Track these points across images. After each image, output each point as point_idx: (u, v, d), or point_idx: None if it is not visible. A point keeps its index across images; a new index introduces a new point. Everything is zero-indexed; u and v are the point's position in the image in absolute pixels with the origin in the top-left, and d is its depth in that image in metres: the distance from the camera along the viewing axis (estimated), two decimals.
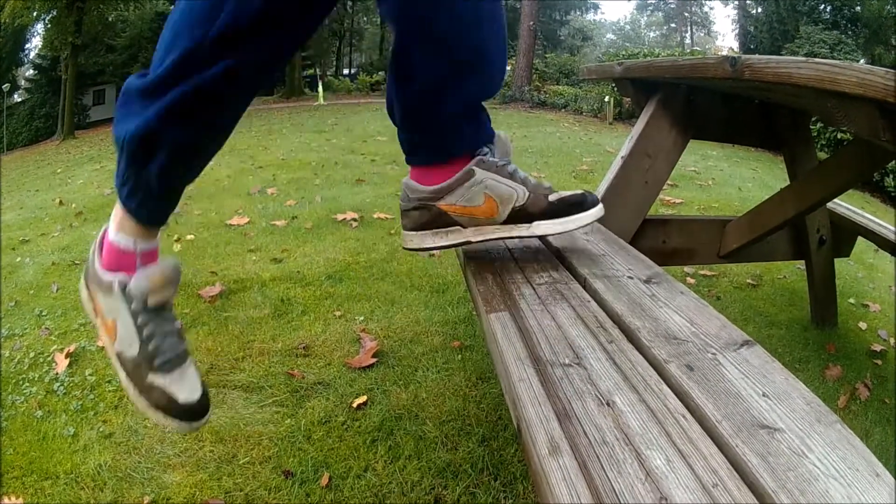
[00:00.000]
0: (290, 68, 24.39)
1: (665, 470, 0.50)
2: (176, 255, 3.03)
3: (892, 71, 0.86)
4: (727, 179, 5.99)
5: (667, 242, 1.87)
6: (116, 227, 0.88)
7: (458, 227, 0.98)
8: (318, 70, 28.87)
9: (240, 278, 2.63)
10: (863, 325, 2.60)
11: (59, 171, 9.32)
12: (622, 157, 1.70)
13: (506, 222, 0.98)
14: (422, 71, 0.88)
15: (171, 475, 1.41)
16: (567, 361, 0.67)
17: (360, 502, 1.33)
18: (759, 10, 24.67)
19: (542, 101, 15.78)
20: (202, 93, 0.79)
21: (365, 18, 31.42)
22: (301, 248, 3.09)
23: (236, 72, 0.79)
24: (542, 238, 1.16)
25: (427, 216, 0.98)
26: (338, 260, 2.85)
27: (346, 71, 32.50)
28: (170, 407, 0.85)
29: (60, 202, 5.20)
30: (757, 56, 1.15)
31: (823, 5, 20.26)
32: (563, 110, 14.79)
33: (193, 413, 0.87)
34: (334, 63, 33.21)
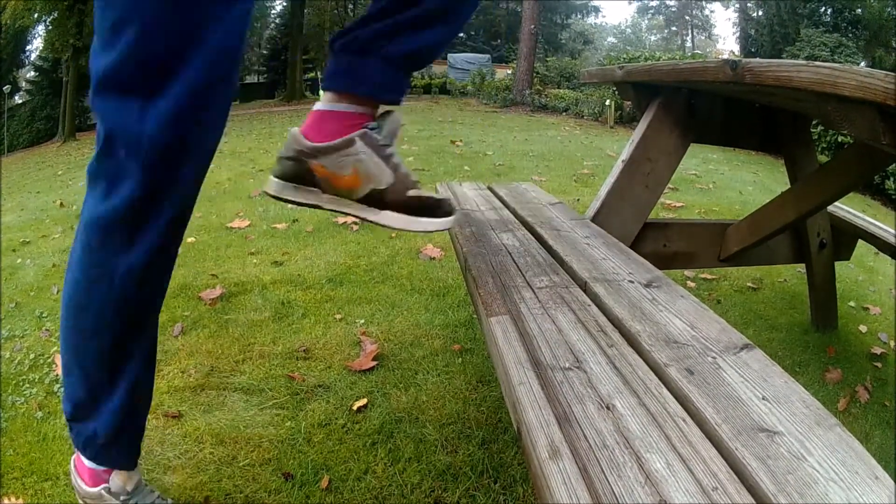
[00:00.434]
0: (291, 71, 24.43)
1: (665, 473, 0.50)
2: (176, 258, 3.03)
3: (892, 74, 0.86)
4: (728, 183, 5.99)
5: (668, 246, 1.87)
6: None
7: (318, 190, 1.00)
8: (318, 73, 28.91)
9: (240, 281, 2.63)
10: (863, 329, 2.60)
11: (59, 172, 9.33)
12: (623, 161, 1.70)
13: (360, 201, 1.00)
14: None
15: (171, 477, 1.41)
16: (567, 365, 0.68)
17: None
18: (760, 13, 24.69)
19: (543, 104, 15.80)
20: None
21: None
22: (302, 251, 3.09)
23: None
24: (542, 241, 1.16)
25: (296, 169, 0.99)
26: (338, 263, 2.85)
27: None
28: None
29: (61, 204, 5.20)
30: (757, 60, 1.15)
31: (824, 8, 20.27)
32: (564, 114, 14.80)
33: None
34: None
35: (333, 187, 0.99)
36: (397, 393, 1.74)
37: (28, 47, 26.90)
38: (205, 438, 1.54)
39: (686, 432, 0.56)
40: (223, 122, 0.92)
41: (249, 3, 0.86)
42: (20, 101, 27.51)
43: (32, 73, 27.46)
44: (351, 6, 26.80)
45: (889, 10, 18.87)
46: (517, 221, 1.46)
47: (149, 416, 1.64)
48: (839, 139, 8.68)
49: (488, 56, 27.17)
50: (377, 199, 0.99)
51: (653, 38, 45.28)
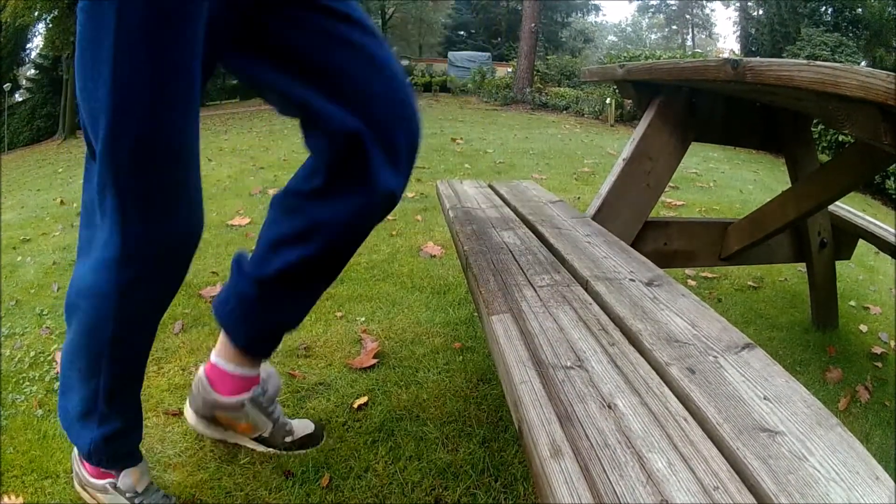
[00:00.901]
0: None
1: (666, 473, 0.50)
2: None
3: (893, 74, 0.86)
4: (728, 182, 5.99)
5: (668, 245, 1.87)
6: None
7: (222, 428, 1.37)
8: None
9: None
10: (863, 328, 2.60)
11: (60, 170, 9.32)
12: (624, 160, 1.70)
13: (255, 439, 1.40)
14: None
15: (172, 475, 1.41)
16: (569, 364, 0.68)
17: (361, 503, 1.33)
18: (761, 12, 24.66)
19: (543, 102, 15.79)
20: None
21: None
22: None
23: None
24: (543, 240, 1.16)
25: (205, 410, 1.33)
26: None
27: None
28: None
29: (61, 202, 5.20)
30: (759, 59, 1.15)
31: (824, 7, 20.25)
32: (564, 112, 14.80)
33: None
34: None
35: (233, 430, 1.36)
36: (398, 391, 1.74)
37: (28, 45, 26.91)
38: (205, 436, 1.54)
39: (687, 431, 0.56)
40: None
41: None
42: (20, 99, 27.51)
43: (33, 71, 27.45)
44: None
45: (889, 9, 18.85)
46: (518, 219, 1.46)
47: (149, 414, 1.65)
48: (840, 138, 8.68)
49: (489, 54, 27.14)
50: (264, 441, 1.41)
51: (653, 36, 45.25)
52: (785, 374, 0.65)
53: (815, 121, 2.18)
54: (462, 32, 35.31)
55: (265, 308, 1.20)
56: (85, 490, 1.18)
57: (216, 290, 2.46)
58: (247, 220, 3.67)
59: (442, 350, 1.98)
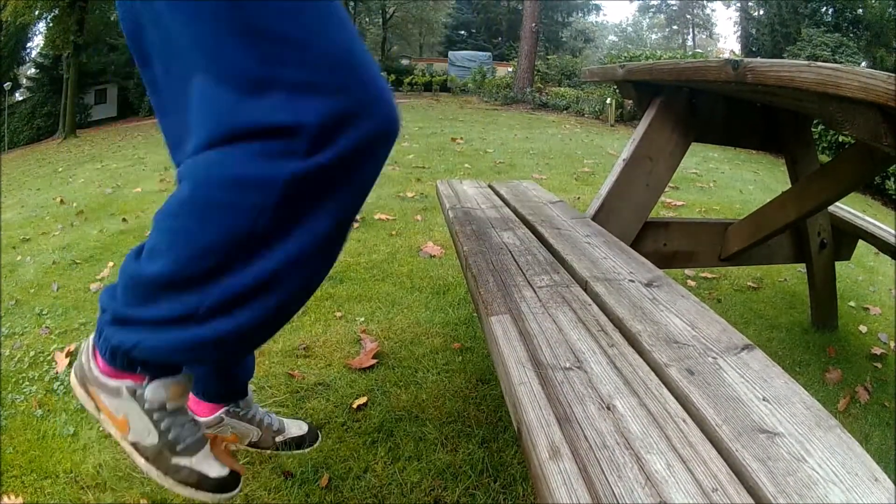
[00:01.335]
0: None
1: (665, 474, 0.50)
2: None
3: (893, 75, 0.86)
4: (728, 182, 5.99)
5: (668, 245, 1.87)
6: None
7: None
8: None
9: None
10: (863, 329, 2.60)
11: (60, 169, 9.33)
12: (624, 160, 1.70)
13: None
14: None
15: None
16: (568, 365, 0.67)
17: (360, 503, 1.33)
18: (761, 12, 24.66)
19: (543, 102, 15.79)
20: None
21: (367, 19, 31.46)
22: None
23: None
24: (543, 240, 1.16)
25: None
26: (338, 261, 2.84)
27: None
28: (201, 482, 0.93)
29: (61, 201, 5.20)
30: (759, 59, 1.15)
31: (825, 8, 20.25)
32: (564, 112, 14.79)
33: (226, 485, 0.95)
34: None
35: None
36: (397, 391, 1.74)
37: (29, 44, 26.90)
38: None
39: (686, 433, 0.56)
40: None
41: None
42: (21, 98, 27.51)
43: (33, 71, 27.44)
44: (352, 4, 26.76)
45: (890, 10, 18.85)
46: (518, 220, 1.46)
47: None
48: (840, 139, 8.67)
49: (489, 54, 27.14)
50: (256, 444, 1.39)
51: (654, 36, 45.24)
52: (784, 375, 0.65)
53: (815, 121, 2.18)
54: (462, 32, 35.31)
55: None
56: (84, 387, 0.92)
57: None
58: None
59: (441, 350, 1.98)
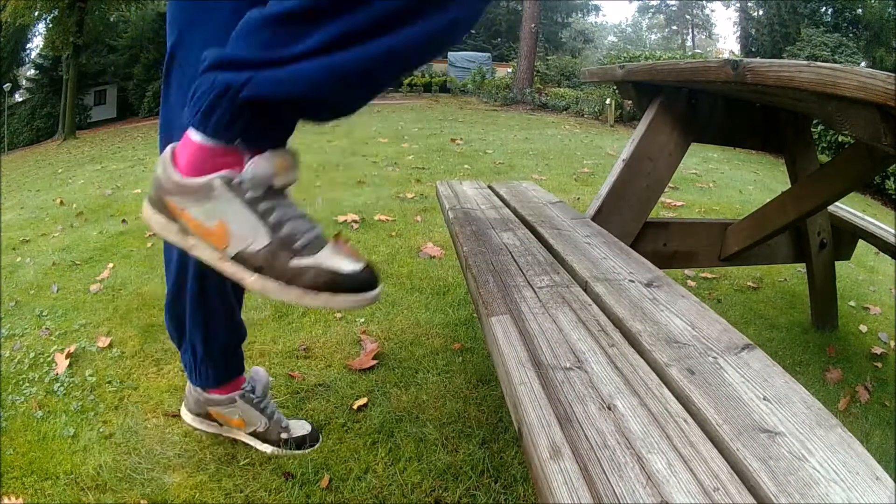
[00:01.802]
0: None
1: (666, 474, 0.50)
2: None
3: (893, 75, 0.86)
4: (728, 182, 5.99)
5: (668, 245, 1.87)
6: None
7: (216, 424, 1.38)
8: None
9: None
10: (863, 328, 2.60)
11: (60, 171, 9.32)
12: (623, 160, 1.70)
13: (250, 434, 1.39)
14: None
15: (172, 476, 1.41)
16: (568, 365, 0.67)
17: None
18: (761, 12, 24.68)
19: (543, 103, 15.80)
20: None
21: None
22: None
23: None
24: (542, 241, 1.16)
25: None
26: None
27: None
28: (336, 281, 0.77)
29: (61, 202, 5.20)
30: (759, 60, 1.15)
31: (825, 8, 20.27)
32: (564, 112, 14.80)
33: (365, 282, 0.79)
34: None
35: (227, 424, 1.11)
36: (397, 392, 1.74)
37: (28, 45, 26.95)
38: (204, 438, 1.53)
39: (687, 432, 0.56)
40: None
41: None
42: (20, 100, 27.54)
43: (33, 72, 27.47)
44: None
45: (889, 10, 18.86)
46: (518, 220, 1.46)
47: (148, 416, 1.65)
48: (839, 139, 8.68)
49: (489, 54, 27.15)
50: (259, 435, 1.41)
51: (653, 37, 45.28)
52: (785, 374, 0.65)
53: (815, 121, 2.18)
54: None
55: None
56: (162, 208, 0.83)
57: None
58: None
59: (441, 351, 1.98)
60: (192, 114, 0.75)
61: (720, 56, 16.66)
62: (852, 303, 2.89)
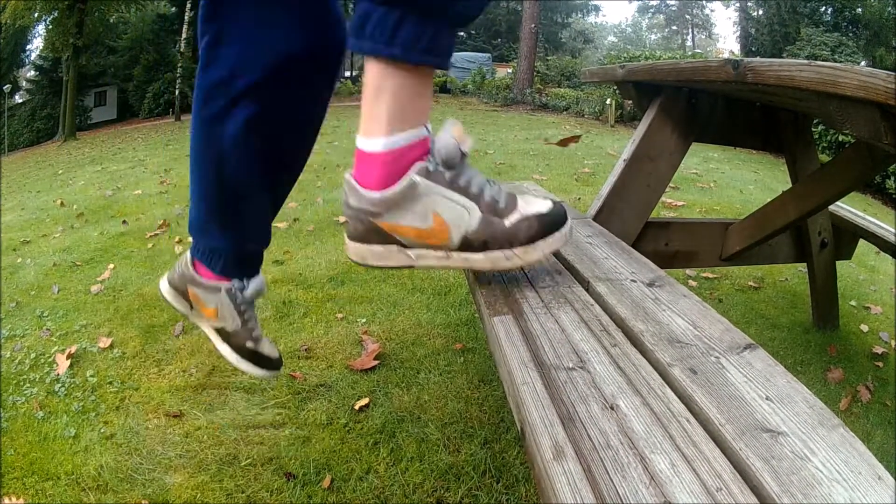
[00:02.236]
0: None
1: (669, 474, 0.50)
2: (177, 257, 3.03)
3: (892, 74, 0.86)
4: (729, 182, 5.99)
5: (669, 245, 1.87)
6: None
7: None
8: None
9: None
10: (864, 328, 2.60)
11: (60, 172, 9.33)
12: (624, 160, 1.70)
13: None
14: None
15: (173, 476, 1.41)
16: (571, 365, 0.67)
17: None
18: (761, 12, 24.68)
19: (543, 103, 15.80)
20: None
21: None
22: (303, 250, 3.09)
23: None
24: None
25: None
26: (339, 262, 2.85)
27: (346, 73, 32.57)
28: (543, 225, 0.83)
29: (62, 203, 5.20)
30: (759, 59, 1.15)
31: (824, 7, 20.28)
32: (564, 113, 14.80)
33: (563, 215, 0.86)
34: None
35: (198, 309, 1.06)
36: (399, 392, 1.74)
37: (28, 46, 26.96)
38: (206, 438, 1.54)
39: (690, 432, 0.56)
40: None
41: None
42: (20, 101, 27.55)
43: (33, 73, 27.49)
44: (351, 4, 26.75)
45: (889, 9, 18.87)
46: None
47: (149, 416, 1.65)
48: (839, 138, 8.68)
49: (489, 55, 27.16)
50: (225, 335, 1.14)
51: (653, 36, 45.29)
52: (787, 374, 0.65)
53: (815, 121, 2.18)
54: (462, 33, 35.27)
55: None
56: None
57: None
58: None
59: (443, 351, 1.98)
60: (375, 40, 0.73)
61: (720, 56, 16.66)
62: (853, 302, 2.89)
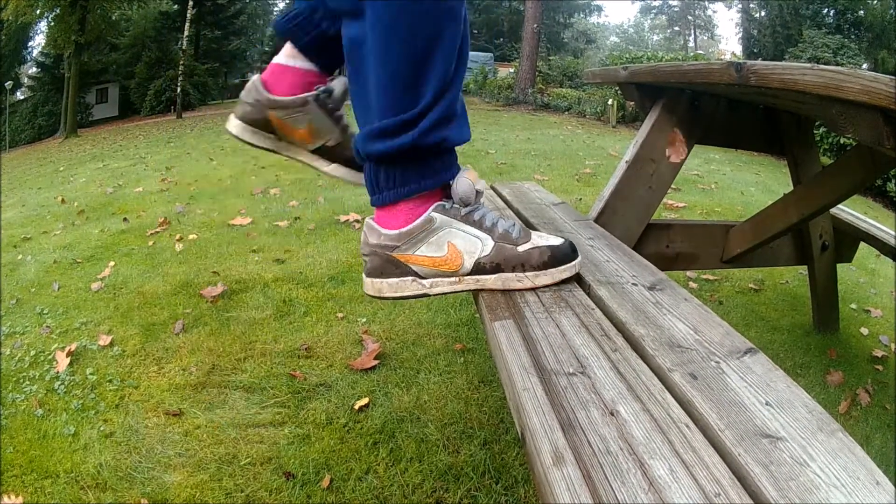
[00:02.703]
0: None
1: (668, 480, 0.50)
2: (178, 255, 3.03)
3: (895, 78, 0.86)
4: (730, 184, 5.98)
5: (670, 247, 1.87)
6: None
7: (274, 137, 1.06)
8: None
9: (242, 279, 2.63)
10: (864, 331, 2.60)
11: (61, 168, 9.33)
12: (626, 162, 1.69)
13: (313, 152, 1.07)
14: None
15: (172, 475, 1.41)
16: (571, 370, 0.67)
17: None
18: (763, 13, 24.67)
19: (545, 103, 15.79)
20: None
21: None
22: (303, 249, 3.09)
23: None
24: None
25: (255, 115, 1.03)
26: (340, 261, 2.85)
27: None
28: (555, 255, 0.92)
29: (62, 200, 5.20)
30: (762, 62, 1.15)
31: (827, 9, 20.26)
32: (566, 113, 14.79)
33: (572, 249, 0.94)
34: None
35: (288, 137, 1.06)
36: (399, 392, 1.74)
37: (30, 43, 26.98)
38: (205, 437, 1.54)
39: (689, 438, 0.56)
40: None
41: None
42: (22, 98, 27.58)
43: (34, 70, 27.51)
44: None
45: (891, 12, 18.86)
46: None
47: (149, 414, 1.65)
48: (841, 141, 8.67)
49: (491, 54, 27.12)
50: (327, 152, 1.08)
51: (655, 37, 45.23)
52: (787, 379, 0.65)
53: (817, 123, 2.18)
54: None
55: None
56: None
57: (217, 290, 2.46)
58: (248, 221, 3.67)
59: (443, 352, 1.98)
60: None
61: (722, 57, 16.65)
62: (854, 305, 2.89)
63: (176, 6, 25.04)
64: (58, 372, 1.89)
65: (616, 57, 17.67)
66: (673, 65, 1.53)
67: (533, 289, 0.91)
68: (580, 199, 4.36)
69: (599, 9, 42.36)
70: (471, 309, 2.30)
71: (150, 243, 3.30)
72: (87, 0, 19.33)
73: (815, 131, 2.16)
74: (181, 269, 2.80)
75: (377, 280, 0.93)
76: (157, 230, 3.55)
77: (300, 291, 2.48)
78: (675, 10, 42.74)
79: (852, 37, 18.64)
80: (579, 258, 0.95)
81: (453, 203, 0.90)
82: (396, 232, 0.89)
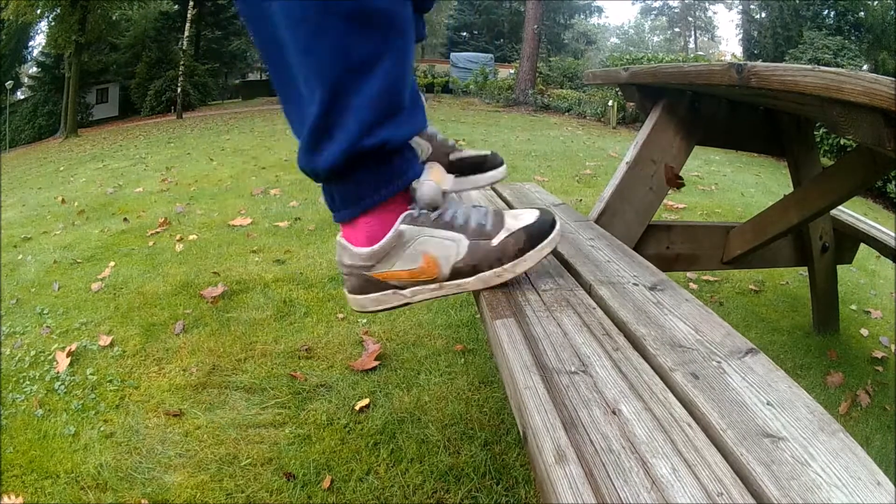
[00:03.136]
0: None
1: (671, 478, 0.50)
2: (178, 256, 3.03)
3: (895, 80, 0.86)
4: (730, 185, 5.98)
5: (671, 248, 1.87)
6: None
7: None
8: None
9: (242, 279, 2.63)
10: (864, 332, 2.60)
11: (61, 168, 9.34)
12: (627, 163, 1.70)
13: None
14: None
15: (173, 476, 1.41)
16: (573, 369, 0.67)
17: None
18: (763, 15, 24.69)
19: (545, 104, 15.79)
20: None
21: None
22: (304, 249, 3.09)
23: None
24: None
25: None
26: None
27: None
28: (531, 235, 0.87)
29: (63, 200, 5.21)
30: (763, 63, 1.15)
31: (827, 11, 20.27)
32: (566, 114, 14.80)
33: (550, 222, 0.90)
34: None
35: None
36: (399, 393, 1.74)
37: (31, 43, 26.96)
38: (206, 437, 1.54)
39: (691, 437, 0.56)
40: None
41: None
42: (22, 97, 27.58)
43: (35, 69, 27.50)
44: None
45: (891, 13, 18.86)
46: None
47: (149, 415, 1.65)
48: (841, 141, 8.67)
49: (491, 55, 27.12)
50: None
51: (655, 39, 45.25)
52: (788, 379, 0.65)
53: (817, 124, 2.18)
54: (465, 33, 35.34)
55: None
56: (367, 289, 0.88)
57: (217, 290, 2.46)
58: (248, 221, 3.67)
59: (444, 352, 1.98)
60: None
61: (722, 58, 16.66)
62: (854, 306, 2.89)
63: (176, 6, 25.03)
64: (58, 372, 1.89)
65: (616, 58, 17.67)
66: (674, 66, 1.53)
67: (514, 277, 0.89)
68: (580, 200, 4.36)
69: (600, 10, 42.49)
70: (471, 310, 2.31)
71: (151, 243, 3.30)
72: (87, 0, 19.34)
73: (815, 133, 2.16)
74: (181, 269, 2.80)
75: (359, 297, 0.90)
76: (158, 230, 3.55)
77: (300, 292, 2.48)
78: (676, 11, 42.76)
79: (853, 38, 18.65)
80: (558, 226, 0.89)
81: (420, 209, 0.84)
82: (367, 251, 0.84)
